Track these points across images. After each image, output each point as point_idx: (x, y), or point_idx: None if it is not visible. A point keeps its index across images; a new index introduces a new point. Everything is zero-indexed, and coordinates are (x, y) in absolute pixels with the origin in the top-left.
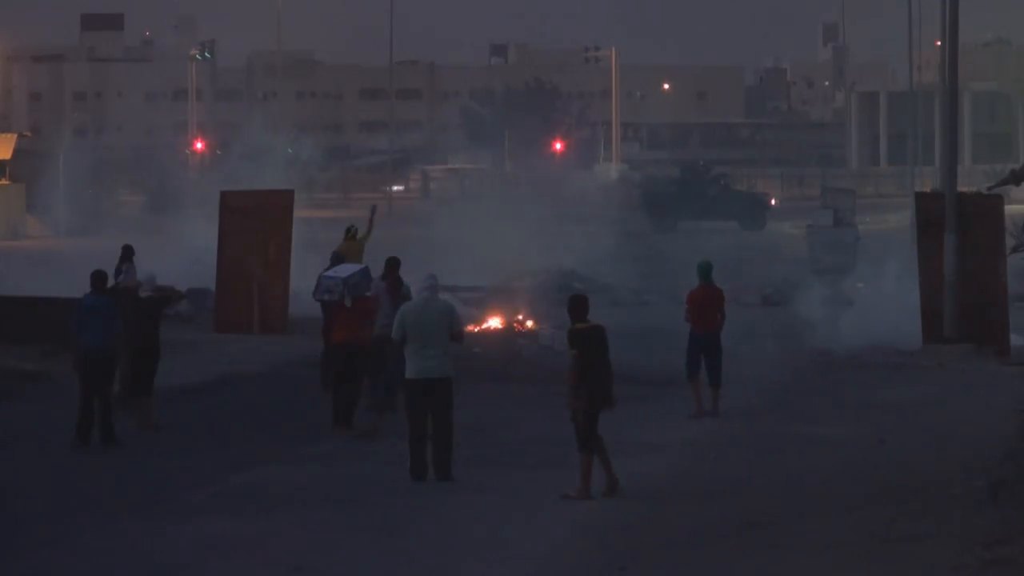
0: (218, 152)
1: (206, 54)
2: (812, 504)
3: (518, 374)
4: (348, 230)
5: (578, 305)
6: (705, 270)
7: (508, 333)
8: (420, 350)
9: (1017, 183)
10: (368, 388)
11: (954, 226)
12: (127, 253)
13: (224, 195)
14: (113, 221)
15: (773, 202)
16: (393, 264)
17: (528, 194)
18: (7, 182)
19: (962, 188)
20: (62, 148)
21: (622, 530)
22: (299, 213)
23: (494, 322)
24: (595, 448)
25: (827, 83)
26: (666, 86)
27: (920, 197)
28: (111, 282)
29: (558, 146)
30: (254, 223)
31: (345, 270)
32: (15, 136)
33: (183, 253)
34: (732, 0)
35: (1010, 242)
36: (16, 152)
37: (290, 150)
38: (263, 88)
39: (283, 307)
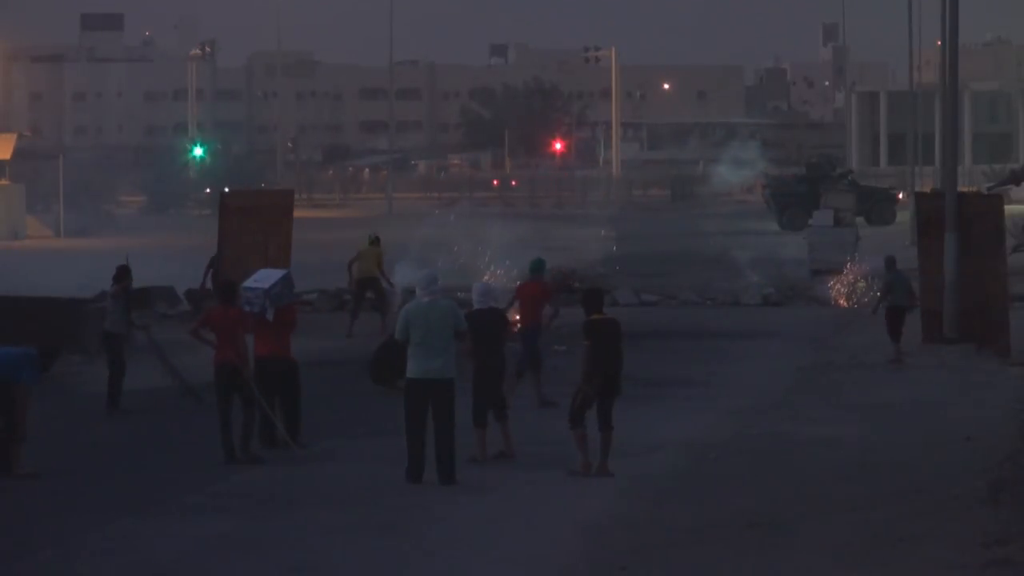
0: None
1: (206, 52)
2: (812, 504)
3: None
4: (369, 236)
5: (592, 298)
6: None
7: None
8: (424, 351)
9: (1017, 183)
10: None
11: (954, 226)
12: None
13: (224, 195)
14: (113, 221)
15: (900, 196)
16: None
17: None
18: (7, 182)
19: (962, 188)
20: (62, 148)
21: (622, 530)
22: (299, 213)
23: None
24: (603, 428)
25: (827, 83)
26: (666, 86)
27: (920, 197)
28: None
29: (558, 146)
30: (254, 223)
31: (267, 278)
32: (15, 136)
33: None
34: (732, 0)
35: (1010, 242)
36: (16, 152)
37: (290, 144)
38: (263, 88)
39: None
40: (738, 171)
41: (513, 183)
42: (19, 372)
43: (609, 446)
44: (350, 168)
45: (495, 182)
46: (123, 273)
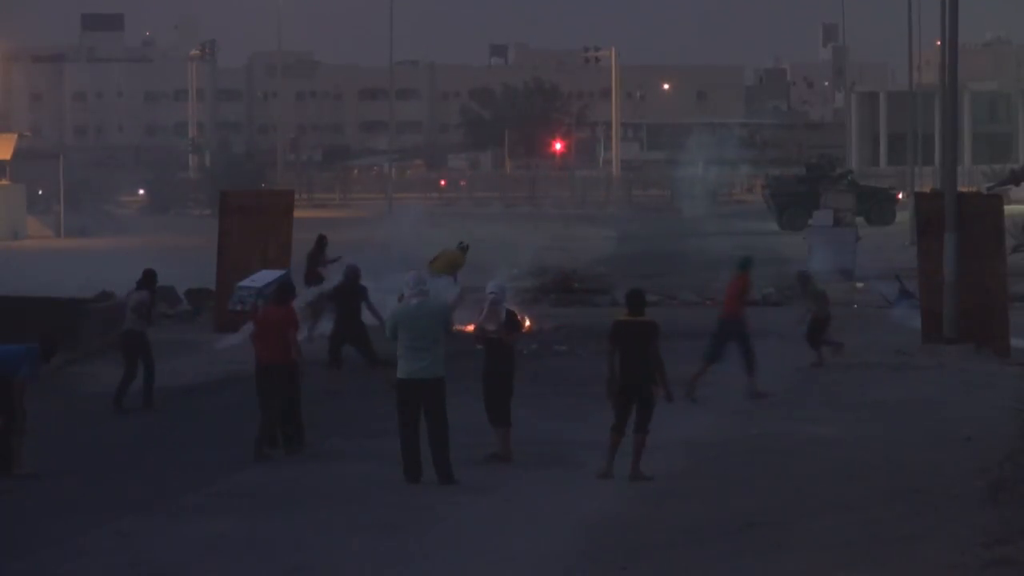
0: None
1: (206, 54)
2: (812, 504)
3: (518, 374)
4: (460, 243)
5: (631, 298)
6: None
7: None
8: (412, 352)
9: (1017, 183)
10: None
11: (954, 226)
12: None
13: (224, 195)
14: (113, 221)
15: (900, 196)
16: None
17: None
18: (7, 182)
19: (962, 188)
20: (62, 148)
21: (622, 530)
22: (299, 213)
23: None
24: (635, 430)
25: (827, 83)
26: (666, 86)
27: (920, 197)
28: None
29: (558, 146)
30: (254, 223)
31: (262, 278)
32: (15, 136)
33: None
34: (732, 0)
35: (1010, 242)
36: (16, 152)
37: (289, 147)
38: (263, 88)
39: None
40: (710, 170)
41: (462, 183)
42: (19, 367)
43: (639, 449)
44: (374, 169)
45: (442, 182)
46: (150, 278)
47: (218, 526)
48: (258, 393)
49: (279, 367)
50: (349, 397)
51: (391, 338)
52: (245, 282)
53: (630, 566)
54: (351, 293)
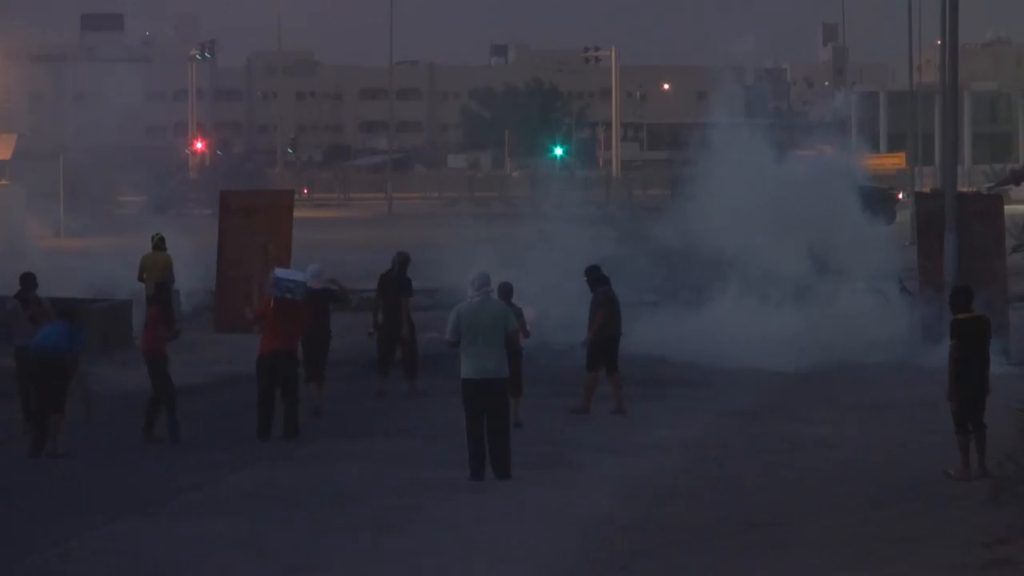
0: (218, 152)
1: (206, 54)
2: (812, 504)
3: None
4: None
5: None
6: None
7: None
8: (477, 350)
9: (1017, 183)
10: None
11: (954, 226)
12: None
13: (224, 195)
14: (113, 222)
15: (900, 196)
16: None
17: None
18: (7, 182)
19: (962, 188)
20: (62, 148)
21: (622, 530)
22: (299, 213)
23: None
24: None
25: (827, 83)
26: (666, 86)
27: (920, 197)
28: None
29: (558, 146)
30: (254, 223)
31: (296, 273)
32: (15, 136)
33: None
34: (732, 0)
35: (1010, 242)
36: (16, 152)
37: (290, 149)
38: (263, 88)
39: None
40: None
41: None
42: (75, 342)
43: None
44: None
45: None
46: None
47: (218, 526)
48: (261, 380)
49: (287, 356)
50: (349, 398)
51: (452, 337)
52: (282, 273)
53: (630, 566)
54: (397, 283)
